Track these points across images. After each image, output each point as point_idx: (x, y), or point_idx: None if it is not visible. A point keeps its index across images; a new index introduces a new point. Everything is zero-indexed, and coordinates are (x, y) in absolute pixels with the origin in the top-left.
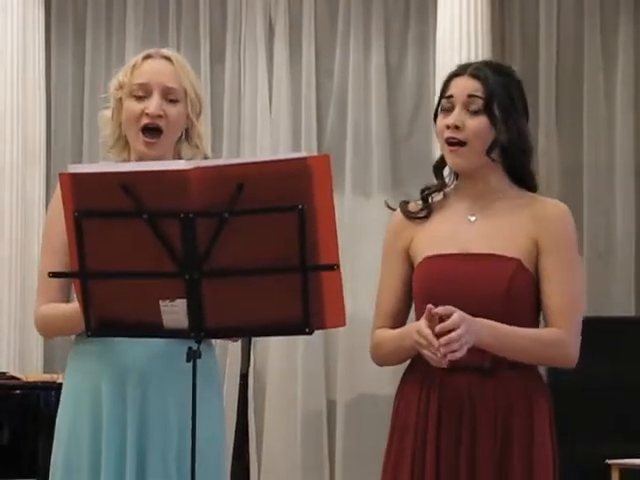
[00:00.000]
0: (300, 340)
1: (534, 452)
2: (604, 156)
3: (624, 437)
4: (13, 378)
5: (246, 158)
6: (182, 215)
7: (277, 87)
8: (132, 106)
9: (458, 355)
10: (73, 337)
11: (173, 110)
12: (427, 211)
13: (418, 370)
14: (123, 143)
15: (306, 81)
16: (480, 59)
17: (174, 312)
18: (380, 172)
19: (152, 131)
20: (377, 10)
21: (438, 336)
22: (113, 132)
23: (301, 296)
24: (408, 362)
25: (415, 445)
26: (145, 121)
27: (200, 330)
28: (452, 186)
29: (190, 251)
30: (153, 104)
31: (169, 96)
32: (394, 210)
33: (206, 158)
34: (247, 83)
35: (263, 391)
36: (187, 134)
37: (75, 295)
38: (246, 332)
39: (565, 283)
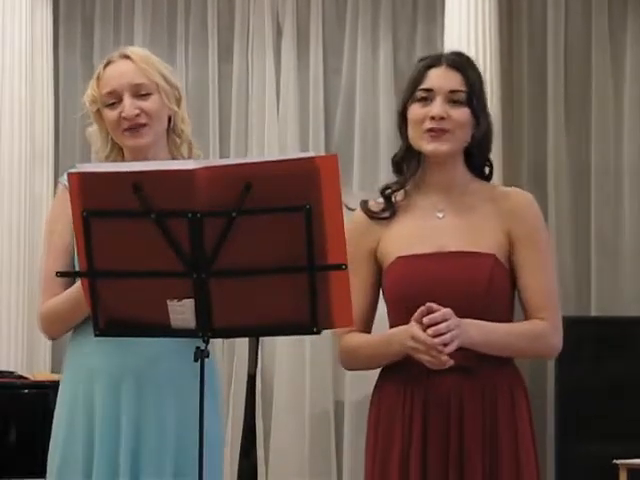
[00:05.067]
0: (308, 340)
1: (520, 456)
2: (612, 155)
3: (633, 437)
4: (21, 378)
5: (254, 158)
6: (190, 215)
7: (285, 86)
8: (109, 115)
9: (451, 348)
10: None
11: (148, 103)
12: (392, 211)
13: (396, 374)
14: (117, 150)
15: (314, 80)
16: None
17: (182, 312)
18: (388, 171)
19: (135, 130)
20: (385, 9)
21: (426, 329)
22: (104, 143)
23: (309, 296)
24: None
25: (401, 452)
26: (125, 125)
27: (207, 330)
28: (411, 182)
29: (198, 251)
30: (126, 107)
31: (140, 92)
32: (352, 210)
33: (190, 144)
34: (255, 82)
35: (271, 391)
36: (173, 122)
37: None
38: (254, 332)
39: (542, 274)
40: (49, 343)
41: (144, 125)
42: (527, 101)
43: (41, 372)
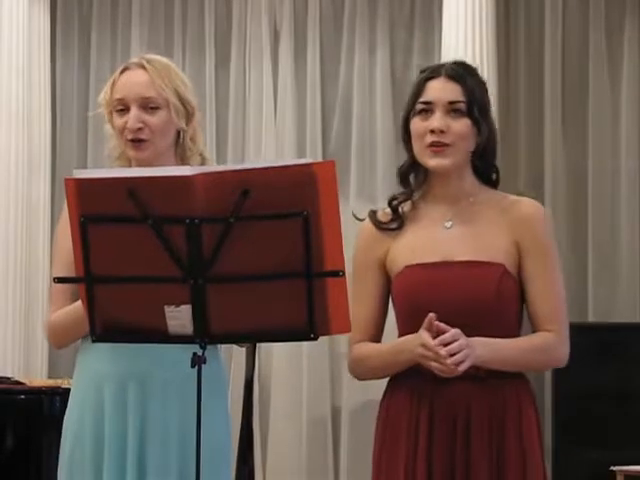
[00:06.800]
0: (305, 346)
1: (527, 470)
2: (609, 162)
3: (629, 444)
4: (18, 383)
5: (251, 164)
6: (187, 221)
7: (282, 92)
8: (117, 121)
9: (465, 366)
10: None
11: (154, 119)
12: (399, 222)
13: (405, 381)
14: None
15: (311, 86)
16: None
17: (179, 318)
18: (385, 178)
19: (137, 142)
20: (382, 15)
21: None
22: (116, 145)
23: (306, 302)
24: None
25: (407, 459)
26: (128, 136)
27: (205, 336)
28: (418, 193)
29: (195, 257)
30: (130, 119)
31: (149, 105)
32: (361, 220)
33: (203, 157)
34: (252, 88)
35: (268, 397)
36: (182, 138)
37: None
38: (251, 338)
39: (550, 285)
40: (46, 349)
41: (145, 140)
42: (524, 108)
43: (38, 378)
